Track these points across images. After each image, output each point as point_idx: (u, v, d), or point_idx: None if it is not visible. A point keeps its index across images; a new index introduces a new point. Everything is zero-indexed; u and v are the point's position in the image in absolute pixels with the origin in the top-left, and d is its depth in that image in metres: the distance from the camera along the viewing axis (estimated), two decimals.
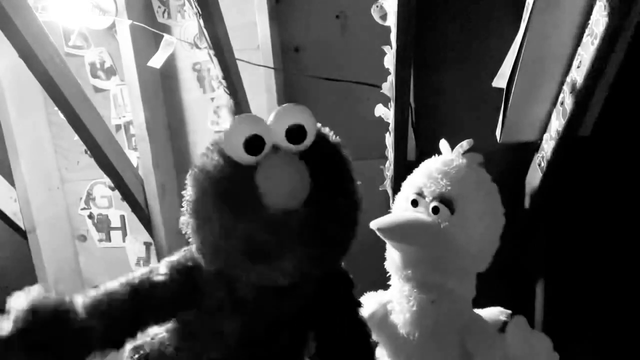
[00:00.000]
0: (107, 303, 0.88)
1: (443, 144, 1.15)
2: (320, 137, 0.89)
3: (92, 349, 0.88)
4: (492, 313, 1.18)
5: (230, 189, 0.81)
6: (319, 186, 0.82)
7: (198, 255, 0.88)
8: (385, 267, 1.16)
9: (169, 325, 0.99)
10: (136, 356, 0.98)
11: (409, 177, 1.16)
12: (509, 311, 1.17)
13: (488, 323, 1.13)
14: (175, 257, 0.96)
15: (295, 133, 0.83)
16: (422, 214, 1.08)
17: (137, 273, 0.93)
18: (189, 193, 0.85)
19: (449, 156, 1.12)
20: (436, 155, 1.16)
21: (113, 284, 0.91)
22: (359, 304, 1.05)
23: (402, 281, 1.11)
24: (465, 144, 1.11)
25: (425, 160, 1.15)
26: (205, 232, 0.84)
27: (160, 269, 0.94)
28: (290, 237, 0.81)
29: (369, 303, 1.17)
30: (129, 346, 0.98)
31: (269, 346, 0.96)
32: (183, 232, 0.87)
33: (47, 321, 0.83)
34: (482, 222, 1.06)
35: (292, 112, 0.85)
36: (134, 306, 0.90)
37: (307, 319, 0.99)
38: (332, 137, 0.91)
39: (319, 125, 0.90)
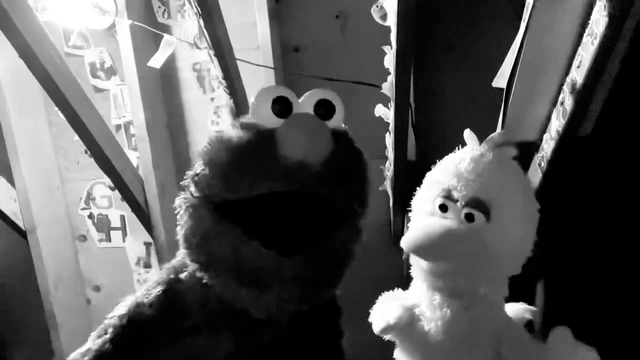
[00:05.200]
0: None
1: (469, 135, 1.01)
2: (349, 136, 0.90)
3: None
4: (516, 310, 1.10)
5: (247, 148, 0.79)
6: (338, 156, 0.82)
7: (183, 247, 0.87)
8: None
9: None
10: None
11: (432, 174, 1.04)
12: (534, 308, 1.11)
13: (524, 330, 1.04)
14: (165, 277, 0.95)
15: (323, 108, 0.83)
16: (452, 221, 0.96)
17: (124, 309, 0.92)
18: (200, 168, 0.84)
19: (478, 151, 0.98)
20: (459, 147, 1.04)
21: (104, 335, 0.89)
22: (342, 335, 1.03)
23: (431, 289, 1.02)
24: (497, 137, 0.98)
25: (450, 155, 1.03)
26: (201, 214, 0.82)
27: (150, 296, 0.92)
28: (301, 187, 0.80)
29: (393, 306, 1.07)
30: None
31: None
32: (175, 212, 0.86)
33: None
34: (520, 226, 0.96)
35: (322, 92, 0.86)
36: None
37: (290, 345, 0.96)
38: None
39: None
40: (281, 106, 0.80)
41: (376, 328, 1.05)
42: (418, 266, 1.03)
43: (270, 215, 0.82)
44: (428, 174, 1.06)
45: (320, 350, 1.00)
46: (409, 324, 1.04)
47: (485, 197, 0.93)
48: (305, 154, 0.79)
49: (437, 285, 1.00)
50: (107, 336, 0.89)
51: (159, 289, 0.93)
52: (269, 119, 0.80)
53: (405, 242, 0.97)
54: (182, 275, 0.91)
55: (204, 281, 0.87)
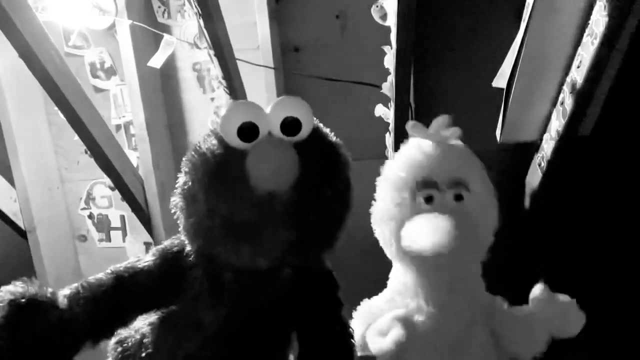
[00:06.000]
0: (89, 291, 0.90)
1: (414, 126, 1.08)
2: (319, 134, 0.90)
3: (81, 339, 0.88)
4: None
5: (219, 169, 0.83)
6: (307, 175, 0.84)
7: (183, 236, 0.89)
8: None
9: (151, 318, 0.98)
10: (119, 349, 0.98)
11: (394, 173, 1.06)
12: None
13: (504, 301, 1.11)
14: (163, 244, 0.98)
15: (290, 125, 0.84)
16: (439, 215, 0.97)
17: (124, 262, 0.94)
18: (182, 174, 0.88)
19: (434, 137, 1.05)
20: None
21: (98, 274, 0.93)
22: (342, 305, 1.02)
23: (434, 284, 1.05)
24: (441, 120, 1.06)
25: (404, 152, 1.09)
26: (190, 210, 0.85)
27: (146, 257, 0.95)
28: (271, 218, 0.82)
29: (387, 322, 0.99)
30: (113, 339, 0.99)
31: (247, 340, 0.95)
32: (172, 212, 0.89)
33: (25, 312, 0.83)
34: (487, 192, 1.05)
35: (290, 104, 0.87)
36: (117, 293, 0.90)
37: (288, 316, 0.98)
38: (332, 136, 0.92)
39: (319, 123, 0.91)
40: (246, 133, 0.82)
41: (381, 350, 0.98)
42: (421, 264, 1.03)
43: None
44: (386, 176, 1.08)
45: (322, 319, 1.00)
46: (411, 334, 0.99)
47: (462, 174, 1.03)
48: (272, 186, 0.81)
49: (440, 276, 1.03)
50: (102, 275, 0.93)
51: (157, 252, 0.96)
52: (235, 142, 0.83)
53: (422, 245, 0.97)
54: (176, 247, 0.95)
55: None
